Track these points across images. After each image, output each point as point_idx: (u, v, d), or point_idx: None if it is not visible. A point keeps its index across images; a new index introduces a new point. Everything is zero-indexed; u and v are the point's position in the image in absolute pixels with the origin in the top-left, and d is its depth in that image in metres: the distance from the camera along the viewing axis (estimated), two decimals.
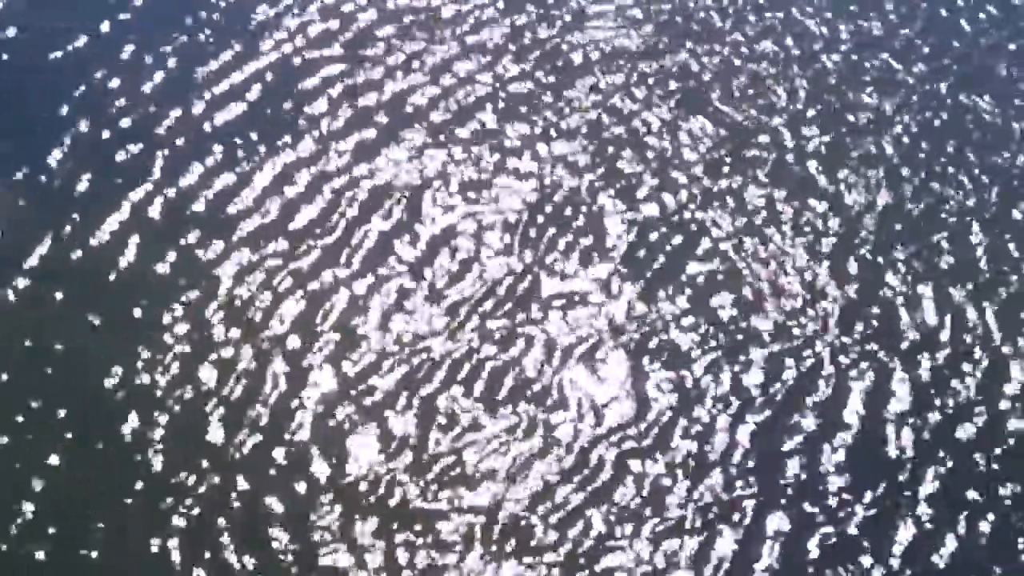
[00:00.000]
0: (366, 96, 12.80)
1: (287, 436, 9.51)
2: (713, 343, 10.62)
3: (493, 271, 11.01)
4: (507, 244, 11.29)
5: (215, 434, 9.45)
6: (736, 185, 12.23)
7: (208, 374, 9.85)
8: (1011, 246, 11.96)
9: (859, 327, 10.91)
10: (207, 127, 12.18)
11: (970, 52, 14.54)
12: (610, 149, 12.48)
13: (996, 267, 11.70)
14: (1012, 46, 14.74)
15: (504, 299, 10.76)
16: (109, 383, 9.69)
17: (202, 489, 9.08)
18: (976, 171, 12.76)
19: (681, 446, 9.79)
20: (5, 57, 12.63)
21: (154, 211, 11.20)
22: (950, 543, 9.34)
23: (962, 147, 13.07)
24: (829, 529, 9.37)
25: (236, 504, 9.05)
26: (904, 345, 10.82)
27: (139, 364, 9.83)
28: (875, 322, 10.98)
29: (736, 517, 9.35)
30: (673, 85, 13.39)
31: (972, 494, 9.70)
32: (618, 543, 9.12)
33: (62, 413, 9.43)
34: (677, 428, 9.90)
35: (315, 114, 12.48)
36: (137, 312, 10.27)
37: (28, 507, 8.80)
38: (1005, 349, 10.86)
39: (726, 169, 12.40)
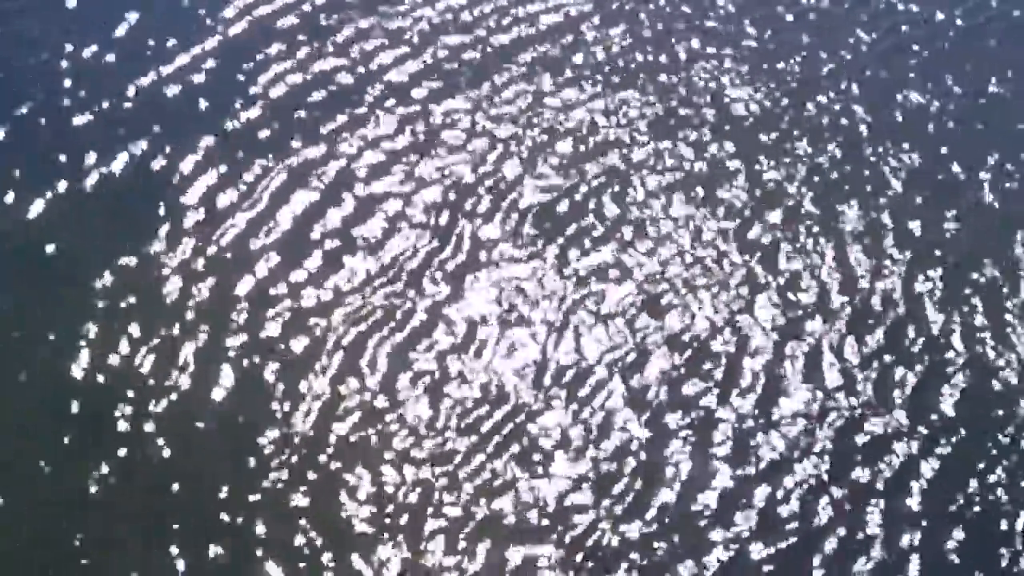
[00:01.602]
0: (326, 78, 13.10)
1: (253, 420, 9.70)
2: (645, 315, 10.87)
3: (437, 250, 11.27)
4: (450, 224, 11.56)
5: (180, 423, 9.62)
6: (675, 160, 12.51)
7: (155, 359, 10.00)
8: (946, 217, 12.26)
9: (794, 301, 11.18)
10: (164, 107, 12.46)
11: (916, 39, 14.90)
12: (547, 129, 12.78)
13: (931, 241, 11.98)
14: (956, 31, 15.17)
15: (452, 276, 11.04)
16: (67, 370, 9.85)
17: (161, 474, 9.24)
18: (917, 151, 13.03)
19: (611, 412, 10.03)
20: None
21: (111, 195, 11.45)
22: (874, 512, 9.61)
23: (906, 129, 13.37)
24: (760, 496, 9.61)
25: (207, 490, 9.20)
26: (838, 318, 11.07)
27: (95, 354, 9.98)
28: (811, 296, 11.25)
29: (658, 482, 9.60)
30: (615, 69, 13.73)
31: (902, 462, 9.97)
32: (539, 515, 9.35)
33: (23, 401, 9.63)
34: (606, 395, 10.16)
35: (274, 97, 12.77)
36: (97, 298, 10.46)
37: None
38: (938, 323, 11.13)
39: (665, 144, 12.68)
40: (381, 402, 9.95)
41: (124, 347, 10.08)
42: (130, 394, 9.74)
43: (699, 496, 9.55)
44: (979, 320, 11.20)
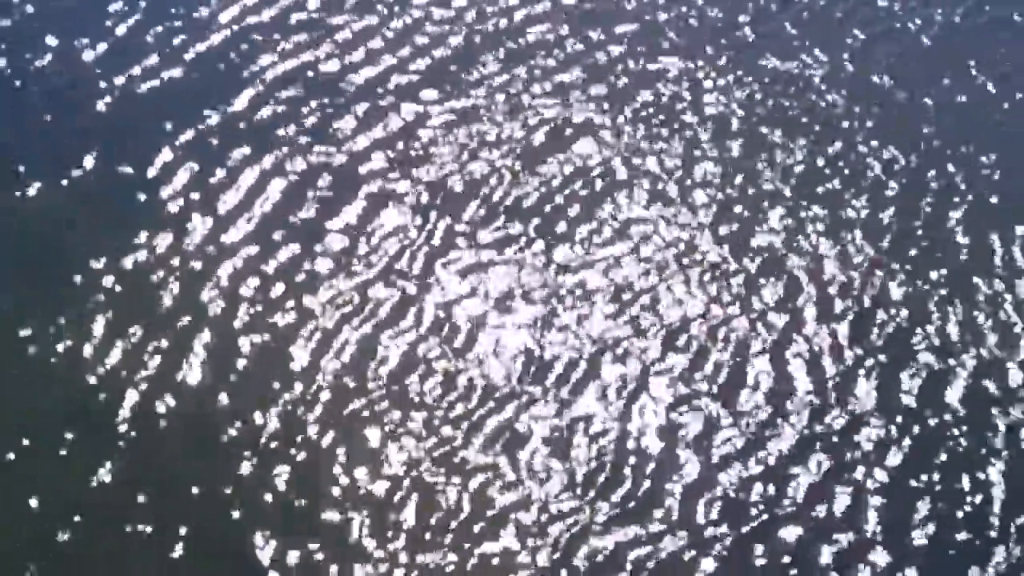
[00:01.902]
0: (306, 72, 13.29)
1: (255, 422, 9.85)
2: (619, 305, 11.04)
3: (416, 242, 11.45)
4: (429, 215, 11.74)
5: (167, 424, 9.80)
6: (653, 152, 12.66)
7: (138, 351, 10.18)
8: (917, 208, 12.37)
9: (767, 291, 11.33)
10: (145, 101, 12.68)
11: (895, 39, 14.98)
12: (526, 121, 12.95)
13: (903, 231, 12.08)
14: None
15: (431, 269, 11.24)
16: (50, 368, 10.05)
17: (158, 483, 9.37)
18: (892, 142, 13.14)
19: (586, 401, 10.23)
20: None
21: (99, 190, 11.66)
22: (841, 497, 9.78)
23: (882, 121, 13.47)
24: (730, 481, 9.79)
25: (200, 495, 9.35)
26: (811, 307, 11.21)
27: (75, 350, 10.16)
28: (784, 286, 11.39)
29: (630, 472, 9.77)
30: (595, 62, 13.91)
31: (870, 447, 10.12)
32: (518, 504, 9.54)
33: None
34: (582, 386, 10.35)
35: (255, 91, 12.97)
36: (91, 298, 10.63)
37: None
38: (908, 311, 11.27)
39: (643, 136, 12.84)
40: (360, 392, 10.12)
41: (104, 339, 10.24)
42: (109, 386, 9.91)
43: (670, 483, 9.71)
44: (948, 308, 11.33)
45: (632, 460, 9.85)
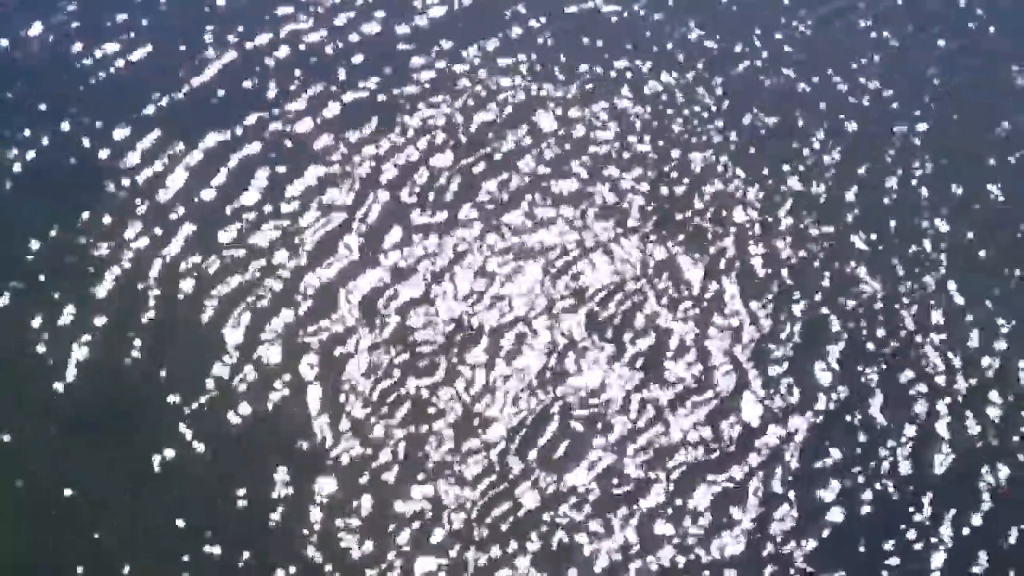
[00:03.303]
0: (270, 56, 13.52)
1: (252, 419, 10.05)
2: (567, 281, 11.34)
3: (366, 222, 11.73)
4: (380, 195, 12.02)
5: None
6: (603, 134, 12.96)
7: (141, 347, 10.38)
8: (877, 190, 12.62)
9: (720, 273, 11.53)
10: (107, 85, 12.90)
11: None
12: (474, 105, 13.17)
13: (862, 212, 12.29)
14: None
15: (385, 250, 11.49)
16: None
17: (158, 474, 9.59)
18: (851, 123, 13.41)
19: (531, 378, 10.49)
20: None
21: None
22: (789, 476, 10.02)
23: (841, 102, 13.70)
24: (680, 458, 10.04)
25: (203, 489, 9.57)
26: (763, 284, 11.46)
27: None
28: (737, 266, 11.61)
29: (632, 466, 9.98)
30: (551, 50, 14.09)
31: (818, 424, 10.35)
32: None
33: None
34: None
35: (221, 75, 13.19)
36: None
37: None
38: (863, 293, 11.49)
39: (597, 118, 13.14)
40: (303, 365, 10.40)
41: (47, 319, 10.43)
42: (47, 369, 10.10)
43: (613, 462, 9.94)
44: (904, 292, 11.54)
45: (558, 420, 10.11)
